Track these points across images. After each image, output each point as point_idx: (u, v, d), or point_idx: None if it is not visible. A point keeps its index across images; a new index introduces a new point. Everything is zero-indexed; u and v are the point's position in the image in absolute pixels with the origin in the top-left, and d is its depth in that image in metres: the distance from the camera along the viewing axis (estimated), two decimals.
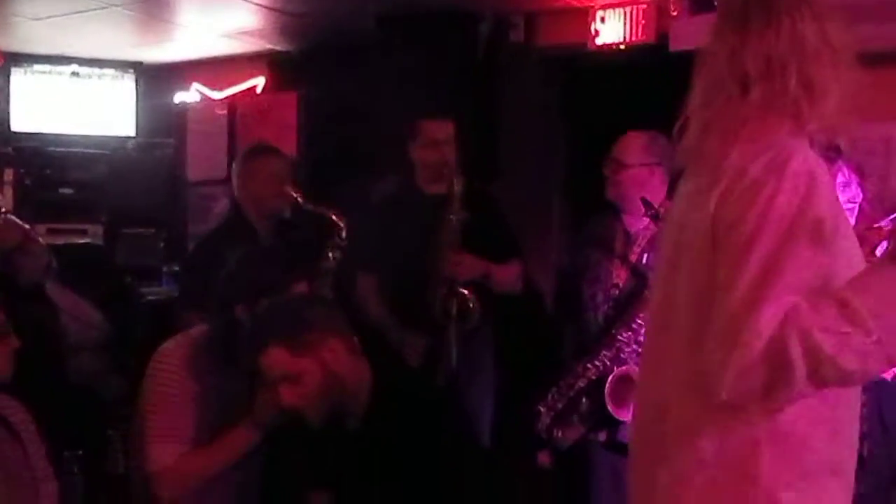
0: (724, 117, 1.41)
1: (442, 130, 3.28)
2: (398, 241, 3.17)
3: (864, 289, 1.27)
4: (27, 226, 3.04)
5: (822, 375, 1.25)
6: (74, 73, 4.96)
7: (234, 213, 3.38)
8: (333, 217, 3.17)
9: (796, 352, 1.23)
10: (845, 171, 2.66)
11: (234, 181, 3.35)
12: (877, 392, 2.22)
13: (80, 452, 1.49)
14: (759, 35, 1.41)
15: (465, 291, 3.11)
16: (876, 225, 2.54)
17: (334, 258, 3.14)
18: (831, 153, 2.40)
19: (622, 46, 4.00)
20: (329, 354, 2.02)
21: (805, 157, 1.34)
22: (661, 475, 1.42)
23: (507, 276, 3.27)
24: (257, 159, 3.32)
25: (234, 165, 3.40)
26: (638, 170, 2.82)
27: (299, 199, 3.18)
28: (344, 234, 3.15)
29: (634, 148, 2.85)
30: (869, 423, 2.30)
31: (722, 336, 1.28)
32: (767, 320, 1.24)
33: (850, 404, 1.41)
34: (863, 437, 1.51)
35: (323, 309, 2.13)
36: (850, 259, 1.39)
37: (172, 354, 2.21)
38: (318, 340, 2.01)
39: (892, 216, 2.57)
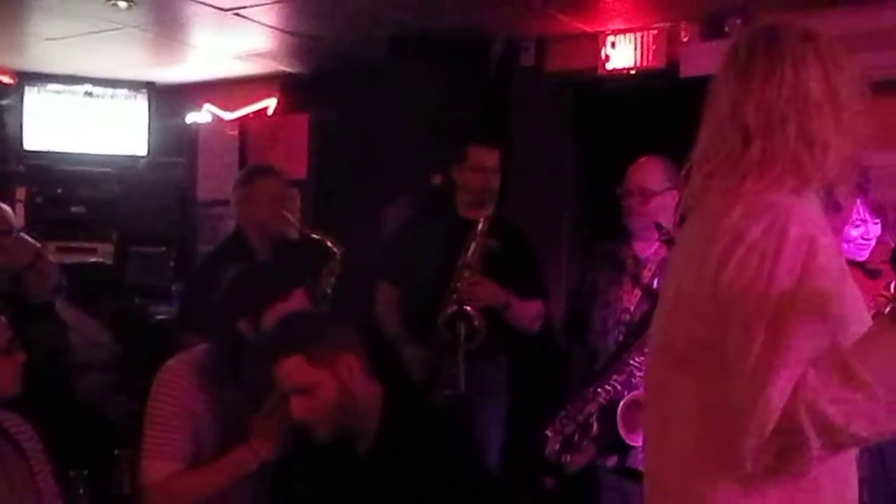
0: (724, 172, 1.39)
1: (490, 157, 3.30)
2: (423, 258, 3.19)
3: (867, 352, 1.25)
4: (39, 244, 3.04)
5: (838, 443, 1.25)
6: (87, 93, 5.00)
7: (234, 236, 3.37)
8: (329, 244, 3.18)
9: (808, 426, 1.22)
10: (860, 209, 2.65)
11: (233, 204, 3.36)
12: None
13: (86, 472, 1.47)
14: (760, 86, 1.38)
15: (471, 310, 3.09)
16: None
17: (329, 284, 3.15)
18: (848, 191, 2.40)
19: (632, 71, 4.02)
20: (345, 370, 2.01)
21: (804, 221, 1.32)
22: None
23: (527, 311, 3.23)
24: (256, 182, 3.31)
25: (232, 188, 3.39)
26: (663, 195, 2.81)
27: (297, 224, 3.18)
28: (339, 260, 3.16)
29: (657, 173, 2.84)
30: (870, 468, 2.27)
31: (737, 413, 1.27)
32: (778, 396, 1.23)
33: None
34: (862, 482, 1.48)
35: (342, 325, 2.11)
36: (856, 310, 1.37)
37: (173, 372, 2.20)
38: (336, 355, 1.99)
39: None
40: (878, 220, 2.72)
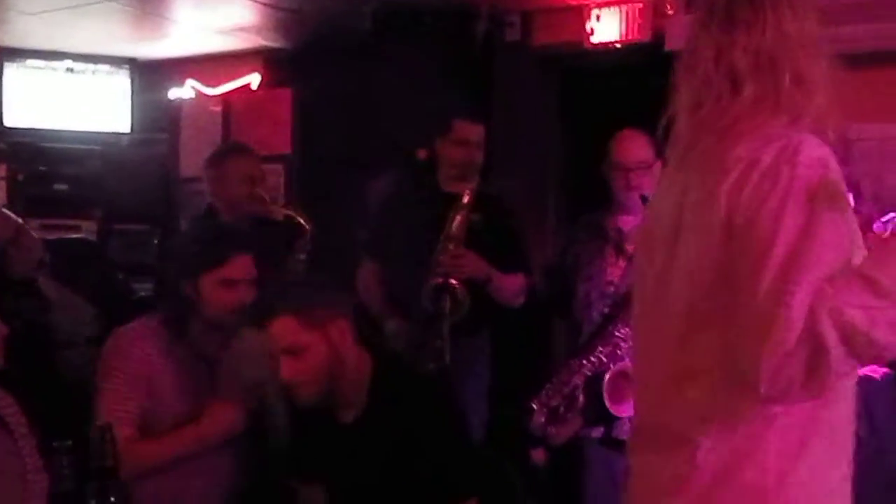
0: (718, 116, 1.40)
1: (474, 132, 3.30)
2: (406, 233, 3.18)
3: (884, 263, 1.27)
4: (20, 220, 3.02)
5: (858, 353, 1.25)
6: (69, 69, 4.94)
7: (206, 213, 3.37)
8: (301, 220, 3.18)
9: (831, 334, 1.23)
10: None
11: (206, 182, 3.35)
12: (864, 390, 2.22)
13: (70, 443, 1.48)
14: (746, 31, 1.40)
15: (456, 283, 3.09)
16: (875, 230, 2.53)
17: (300, 261, 3.15)
18: None
19: (618, 45, 4.01)
20: (336, 334, 2.02)
21: (815, 145, 1.33)
22: (661, 474, 1.41)
23: (510, 286, 3.23)
24: (228, 161, 3.32)
25: (205, 166, 3.39)
26: (647, 168, 2.82)
27: (269, 202, 3.18)
28: (309, 238, 3.16)
29: (641, 146, 2.84)
30: (865, 460, 2.28)
31: (754, 330, 1.27)
32: (799, 308, 1.23)
33: (848, 401, 1.41)
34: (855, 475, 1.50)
35: (336, 291, 2.15)
36: (857, 235, 1.38)
37: (124, 337, 2.27)
38: (328, 318, 2.01)
39: (886, 218, 2.55)
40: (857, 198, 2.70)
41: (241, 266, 2.26)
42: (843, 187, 1.34)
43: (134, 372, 2.21)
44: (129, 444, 2.09)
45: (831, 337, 1.23)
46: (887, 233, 2.32)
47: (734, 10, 1.42)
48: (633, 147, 2.86)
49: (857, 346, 1.24)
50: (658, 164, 2.78)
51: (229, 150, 3.42)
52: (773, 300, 1.25)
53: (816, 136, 1.38)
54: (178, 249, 2.36)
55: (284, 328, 1.99)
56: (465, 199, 3.14)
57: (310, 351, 1.99)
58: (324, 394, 2.03)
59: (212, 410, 2.20)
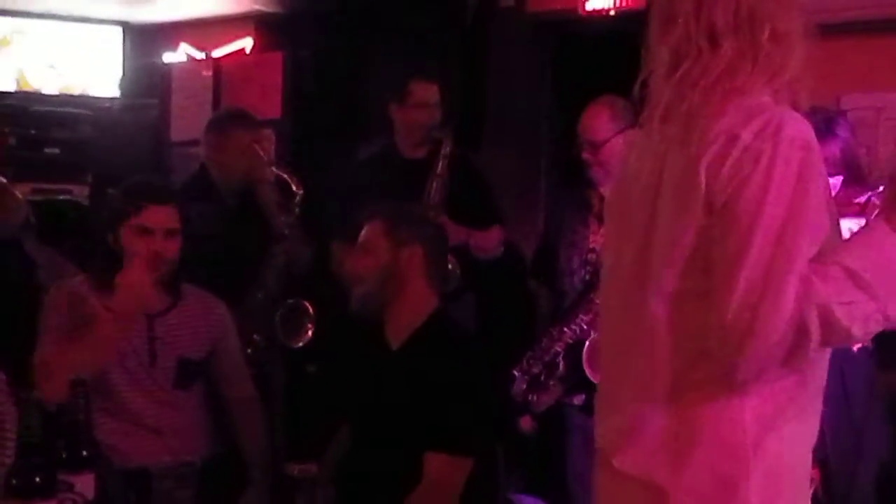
0: (699, 74, 1.38)
1: (432, 93, 3.27)
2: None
3: (864, 255, 1.29)
4: (3, 179, 3.03)
5: (831, 342, 1.30)
6: (59, 32, 4.92)
7: (199, 174, 3.38)
8: (292, 183, 3.18)
9: (815, 327, 1.26)
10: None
11: (205, 146, 3.35)
12: (841, 365, 2.23)
13: (38, 394, 1.52)
14: None
15: None
16: (856, 201, 2.53)
17: (288, 224, 3.17)
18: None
19: (612, 12, 3.99)
20: (406, 255, 2.22)
21: (797, 123, 1.33)
22: (638, 435, 1.42)
23: (488, 241, 3.27)
24: (230, 130, 3.30)
25: (205, 130, 3.38)
26: (613, 141, 2.81)
27: (270, 162, 3.19)
28: (298, 200, 3.17)
29: (602, 121, 2.84)
30: (834, 419, 2.31)
31: (736, 314, 1.27)
32: (787, 298, 1.25)
33: (816, 382, 1.43)
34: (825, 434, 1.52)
35: (433, 227, 2.39)
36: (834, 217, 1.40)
37: (59, 289, 2.38)
38: (407, 239, 2.24)
39: (870, 193, 2.55)
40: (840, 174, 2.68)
41: (156, 215, 2.32)
42: (823, 166, 1.34)
43: (65, 318, 2.29)
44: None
45: (815, 330, 1.26)
46: (861, 201, 2.34)
47: None
48: (593, 124, 2.86)
49: (834, 338, 1.28)
50: (626, 132, 2.78)
51: (233, 119, 3.39)
52: (758, 290, 1.26)
53: (792, 101, 1.38)
54: (104, 205, 2.44)
55: (372, 227, 2.27)
56: (440, 166, 3.13)
57: (376, 255, 2.24)
58: (375, 301, 2.25)
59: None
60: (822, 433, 1.47)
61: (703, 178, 1.32)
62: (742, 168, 1.29)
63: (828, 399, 1.45)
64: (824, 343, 1.29)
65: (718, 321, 1.30)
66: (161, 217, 2.34)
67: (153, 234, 2.32)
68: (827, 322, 1.26)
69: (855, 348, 2.35)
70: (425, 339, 2.23)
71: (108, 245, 2.35)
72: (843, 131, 2.60)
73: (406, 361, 2.22)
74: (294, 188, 3.19)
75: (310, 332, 3.19)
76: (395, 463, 2.15)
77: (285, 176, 3.21)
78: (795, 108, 1.39)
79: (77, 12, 4.91)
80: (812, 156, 1.31)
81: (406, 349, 2.24)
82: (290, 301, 3.20)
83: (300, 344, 3.20)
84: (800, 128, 1.32)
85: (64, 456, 1.63)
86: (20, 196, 3.10)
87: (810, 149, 1.31)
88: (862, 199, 2.54)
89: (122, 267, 2.29)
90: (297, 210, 3.18)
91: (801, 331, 1.26)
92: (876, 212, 1.36)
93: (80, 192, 4.68)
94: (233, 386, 2.55)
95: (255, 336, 3.14)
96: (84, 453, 1.65)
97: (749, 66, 1.38)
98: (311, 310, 3.21)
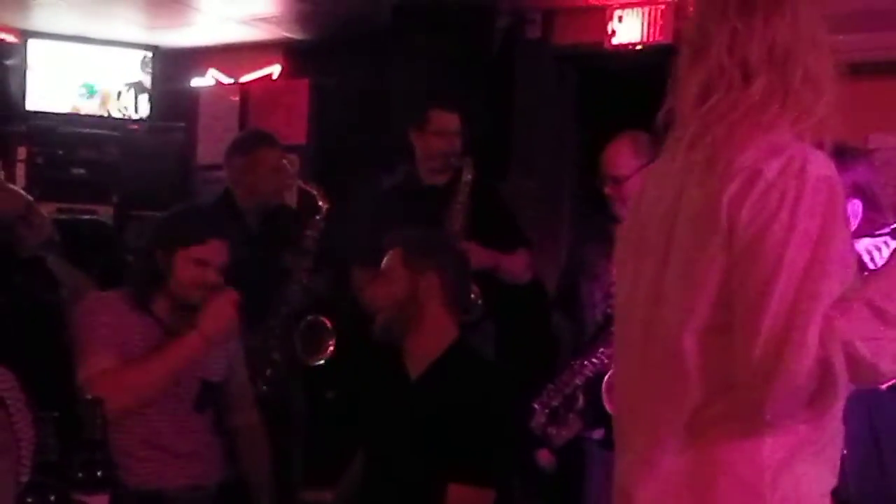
0: (728, 108, 1.37)
1: (451, 121, 3.30)
2: None
3: (887, 289, 1.27)
4: (30, 197, 3.06)
5: (860, 380, 1.28)
6: (89, 55, 4.99)
7: (224, 197, 3.40)
8: (318, 199, 3.20)
9: (840, 366, 1.24)
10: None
11: (230, 169, 3.37)
12: (870, 402, 2.19)
13: (56, 414, 1.52)
14: (764, 21, 1.38)
15: None
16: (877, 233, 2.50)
17: (311, 238, 3.18)
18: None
19: (639, 47, 4.00)
20: (425, 284, 2.23)
21: (821, 162, 1.32)
22: (657, 471, 1.41)
23: (516, 265, 3.27)
24: (258, 152, 3.33)
25: (229, 152, 3.40)
26: (635, 177, 2.79)
27: (296, 179, 3.21)
28: (322, 217, 3.19)
29: (625, 156, 2.83)
30: (863, 463, 2.27)
31: (761, 355, 1.26)
32: (811, 341, 1.24)
33: (837, 419, 1.40)
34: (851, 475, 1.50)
35: (451, 253, 2.38)
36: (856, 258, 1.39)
37: (97, 300, 2.41)
38: (425, 266, 2.24)
39: (891, 227, 2.51)
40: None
41: (216, 249, 2.38)
42: (846, 206, 1.33)
43: (105, 332, 2.30)
44: (113, 370, 2.22)
45: (841, 369, 1.24)
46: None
47: None
48: (615, 159, 2.85)
49: (861, 375, 1.26)
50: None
51: (261, 140, 3.42)
52: (783, 331, 1.25)
53: (816, 142, 1.37)
54: (160, 223, 2.46)
55: (392, 255, 2.30)
56: (461, 193, 3.15)
57: (395, 283, 2.25)
58: (394, 330, 2.26)
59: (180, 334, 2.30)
60: (844, 474, 1.45)
61: (724, 214, 1.31)
62: (766, 206, 1.28)
63: (855, 441, 1.43)
64: (853, 381, 1.27)
65: (745, 360, 1.29)
66: (220, 251, 2.40)
67: (208, 266, 2.37)
68: (852, 359, 1.24)
69: (884, 387, 2.31)
70: (445, 370, 2.22)
71: (154, 263, 2.37)
72: (858, 164, 2.57)
73: (425, 392, 2.21)
74: (320, 203, 3.21)
75: (330, 349, 3.18)
76: (409, 493, 2.14)
77: (312, 190, 3.21)
78: (819, 147, 1.37)
79: (107, 36, 4.99)
80: (836, 196, 1.30)
81: (425, 379, 2.24)
82: (310, 318, 3.19)
83: (320, 361, 3.18)
84: (824, 166, 1.31)
85: (80, 476, 1.62)
86: (44, 214, 3.12)
87: (834, 188, 1.30)
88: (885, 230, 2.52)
89: (163, 287, 2.35)
90: (321, 225, 3.18)
91: (826, 370, 1.24)
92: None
93: (104, 213, 4.73)
94: (239, 412, 2.55)
95: (274, 356, 3.13)
96: (99, 474, 1.64)
97: (778, 104, 1.37)
98: (330, 327, 3.20)
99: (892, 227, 2.44)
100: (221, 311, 2.32)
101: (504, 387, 2.31)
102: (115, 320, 2.33)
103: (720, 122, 1.37)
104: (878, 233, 2.39)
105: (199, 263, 2.36)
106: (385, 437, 2.27)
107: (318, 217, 3.21)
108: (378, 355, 2.36)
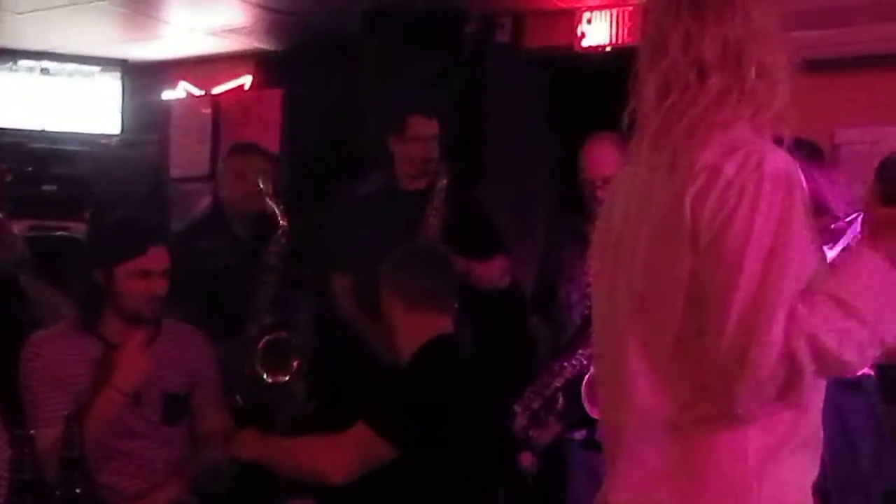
0: (682, 107, 1.39)
1: (429, 127, 3.32)
2: (375, 240, 3.13)
3: (850, 282, 1.29)
4: (1, 214, 3.03)
5: (828, 371, 1.30)
6: (58, 70, 4.96)
7: (213, 204, 3.41)
8: (278, 213, 3.19)
9: (807, 359, 1.26)
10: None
11: (215, 181, 3.38)
12: (838, 395, 2.21)
13: (32, 432, 1.50)
14: (716, 20, 1.39)
15: None
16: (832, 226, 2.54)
17: (273, 254, 3.17)
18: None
19: (608, 48, 4.02)
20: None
21: (777, 156, 1.33)
22: (642, 467, 1.41)
23: (491, 271, 3.27)
24: (228, 159, 3.37)
25: (220, 163, 3.42)
26: None
27: (265, 193, 3.19)
28: (282, 232, 3.17)
29: (607, 155, 2.84)
30: (835, 451, 2.30)
31: (727, 352, 1.28)
32: (776, 333, 1.25)
33: (816, 410, 1.42)
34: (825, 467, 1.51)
35: (391, 259, 2.38)
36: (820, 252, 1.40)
37: (39, 340, 2.31)
38: (383, 290, 2.33)
39: (850, 217, 2.55)
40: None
41: (157, 257, 2.32)
42: (806, 198, 1.34)
43: (47, 377, 2.24)
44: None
45: (807, 361, 1.26)
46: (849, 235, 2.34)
47: None
48: (600, 159, 2.86)
49: (828, 366, 1.28)
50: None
51: (231, 149, 3.47)
52: (747, 327, 1.26)
53: (775, 136, 1.39)
54: (94, 239, 2.40)
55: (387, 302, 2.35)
56: (436, 199, 3.16)
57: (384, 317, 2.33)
58: (386, 337, 2.35)
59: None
60: (823, 464, 1.46)
61: (688, 214, 1.32)
62: (726, 203, 1.30)
63: (826, 430, 1.44)
64: (820, 372, 1.29)
65: (713, 358, 1.30)
66: (163, 258, 2.34)
67: (153, 275, 2.32)
68: (817, 351, 1.26)
69: (858, 374, 2.34)
70: (417, 362, 2.26)
71: (94, 283, 2.31)
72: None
73: (396, 385, 2.26)
74: (280, 219, 3.19)
75: (294, 368, 3.14)
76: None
77: (273, 205, 3.20)
78: (777, 142, 1.39)
79: (77, 50, 4.95)
80: (794, 189, 1.31)
81: (401, 372, 2.29)
82: (272, 336, 3.16)
83: (284, 379, 3.14)
84: (780, 161, 1.33)
85: (58, 493, 1.61)
86: (16, 232, 3.09)
87: (792, 182, 1.31)
88: (834, 226, 2.56)
89: (110, 304, 2.30)
90: (283, 241, 3.17)
91: (792, 363, 1.26)
92: (858, 239, 1.36)
93: (78, 229, 4.68)
94: (206, 419, 2.50)
95: (251, 369, 3.12)
96: (78, 491, 1.64)
97: (734, 100, 1.39)
98: (295, 343, 3.17)
99: (849, 218, 2.48)
100: (132, 363, 2.25)
101: (468, 377, 2.35)
102: (57, 357, 2.27)
103: (680, 120, 1.39)
104: (837, 239, 2.43)
105: (142, 275, 2.30)
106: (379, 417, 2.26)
107: (277, 234, 3.19)
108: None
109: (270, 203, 3.19)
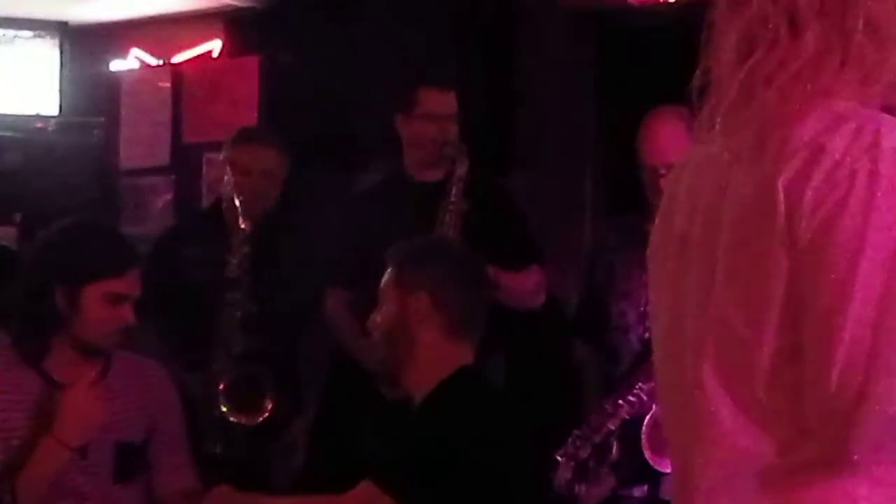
0: (774, 68, 1.37)
1: (444, 102, 3.32)
2: (378, 246, 3.15)
3: None
4: None
5: None
6: None
7: (211, 207, 3.48)
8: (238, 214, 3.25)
9: None
10: None
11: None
12: None
13: None
14: None
15: None
16: None
17: (235, 266, 3.24)
18: None
19: (669, 1, 4.03)
20: (414, 304, 2.31)
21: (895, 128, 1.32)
22: None
23: (523, 286, 3.25)
24: (250, 148, 3.41)
25: (225, 151, 3.47)
26: None
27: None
28: (243, 238, 3.24)
29: (674, 137, 2.84)
30: None
31: (843, 378, 1.27)
32: None
33: None
34: None
35: (447, 262, 2.42)
36: None
37: None
38: (413, 286, 2.32)
39: None
40: None
41: (134, 281, 2.37)
42: None
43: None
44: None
45: None
46: None
47: None
48: (663, 140, 2.88)
49: None
50: None
51: (252, 135, 3.56)
52: (865, 353, 1.26)
53: (885, 106, 1.37)
54: (58, 249, 2.39)
55: (387, 274, 2.39)
56: (454, 191, 3.17)
57: (386, 305, 2.36)
58: (387, 355, 2.38)
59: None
60: None
61: (781, 204, 1.31)
62: (833, 191, 1.28)
63: None
64: None
65: (820, 392, 1.29)
66: (138, 284, 2.38)
67: (126, 301, 2.35)
68: None
69: None
70: (439, 400, 2.28)
71: (50, 302, 2.30)
72: None
73: (421, 421, 2.29)
74: (240, 224, 3.23)
75: (268, 408, 3.17)
76: None
77: (236, 204, 3.24)
78: (890, 112, 1.38)
79: (4, 11, 4.97)
80: None
81: (422, 408, 2.31)
82: (242, 370, 3.18)
83: (257, 421, 3.17)
84: None
85: None
86: None
87: None
88: None
89: (65, 330, 2.31)
90: (245, 249, 3.22)
91: None
92: None
93: (5, 235, 4.72)
94: (166, 475, 2.51)
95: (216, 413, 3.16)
96: None
97: (837, 61, 1.37)
98: (271, 379, 3.19)
99: None
100: (81, 409, 2.26)
101: (497, 420, 2.36)
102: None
103: (767, 87, 1.37)
104: None
105: (114, 300, 2.32)
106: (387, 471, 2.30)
107: (239, 238, 3.23)
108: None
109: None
